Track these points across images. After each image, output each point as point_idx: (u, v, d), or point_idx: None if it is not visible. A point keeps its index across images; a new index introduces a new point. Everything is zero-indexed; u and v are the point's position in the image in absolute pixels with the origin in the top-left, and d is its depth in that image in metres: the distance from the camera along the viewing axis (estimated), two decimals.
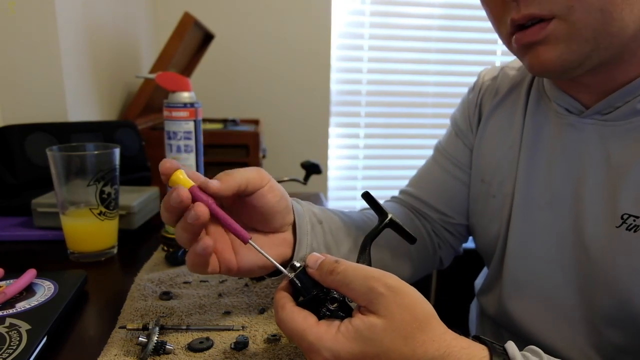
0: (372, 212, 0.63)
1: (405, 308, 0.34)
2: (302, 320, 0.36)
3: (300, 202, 0.52)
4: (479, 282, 0.75)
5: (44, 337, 0.44)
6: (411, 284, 0.37)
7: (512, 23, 0.48)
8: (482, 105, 0.67)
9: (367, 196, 0.49)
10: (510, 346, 0.36)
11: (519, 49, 0.50)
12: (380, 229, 0.46)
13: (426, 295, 0.37)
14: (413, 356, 0.34)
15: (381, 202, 0.70)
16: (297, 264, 0.39)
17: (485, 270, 0.75)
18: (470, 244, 0.76)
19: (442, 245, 0.72)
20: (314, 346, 0.35)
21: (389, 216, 0.47)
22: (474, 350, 0.35)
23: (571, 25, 0.44)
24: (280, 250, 0.47)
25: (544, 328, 0.57)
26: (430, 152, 0.76)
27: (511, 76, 0.65)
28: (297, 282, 0.38)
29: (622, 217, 0.49)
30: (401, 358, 0.34)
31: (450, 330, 0.36)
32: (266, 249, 0.42)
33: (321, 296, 0.37)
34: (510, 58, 0.69)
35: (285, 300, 0.38)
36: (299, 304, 0.38)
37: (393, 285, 0.35)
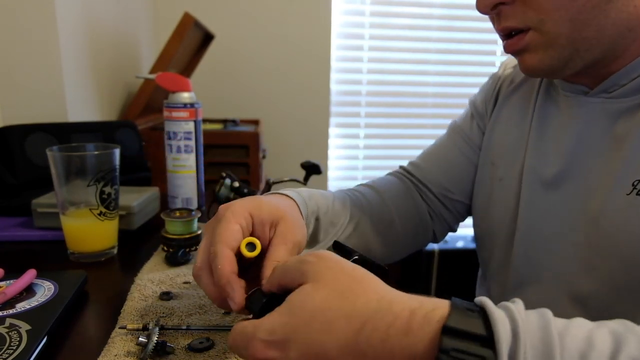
0: (365, 189, 0.71)
1: (337, 269, 0.33)
2: (243, 322, 0.35)
3: (301, 206, 0.53)
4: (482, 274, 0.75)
5: (44, 337, 0.44)
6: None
7: (498, 32, 0.54)
8: (499, 92, 0.69)
9: (335, 246, 0.50)
10: (481, 298, 0.32)
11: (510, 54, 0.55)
12: None
13: (427, 295, 0.35)
14: (354, 310, 0.31)
15: (383, 174, 0.76)
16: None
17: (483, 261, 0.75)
18: (470, 243, 0.76)
19: (436, 220, 0.73)
20: (251, 334, 0.33)
21: (354, 257, 0.46)
22: (426, 298, 0.32)
23: (545, 35, 0.49)
24: None
25: (553, 307, 0.57)
26: None
27: None
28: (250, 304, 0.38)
29: (632, 184, 0.49)
30: (340, 315, 0.31)
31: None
32: None
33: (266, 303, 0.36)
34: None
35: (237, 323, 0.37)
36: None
37: (322, 254, 0.34)
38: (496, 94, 0.70)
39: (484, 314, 0.30)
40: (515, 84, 0.67)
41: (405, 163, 0.77)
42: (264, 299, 0.37)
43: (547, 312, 0.31)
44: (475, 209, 0.70)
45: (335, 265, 0.34)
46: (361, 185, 0.73)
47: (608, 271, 0.52)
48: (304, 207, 0.54)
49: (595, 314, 0.54)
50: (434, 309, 0.30)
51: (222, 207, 0.44)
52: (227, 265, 0.39)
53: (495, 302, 0.67)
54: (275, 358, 0.32)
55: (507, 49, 0.53)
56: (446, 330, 0.28)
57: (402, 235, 0.69)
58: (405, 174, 0.75)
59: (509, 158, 0.64)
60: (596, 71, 0.52)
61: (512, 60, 0.71)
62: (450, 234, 0.78)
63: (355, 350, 0.30)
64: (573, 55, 0.49)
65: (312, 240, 0.58)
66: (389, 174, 0.77)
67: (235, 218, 0.42)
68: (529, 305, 0.59)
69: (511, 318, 0.29)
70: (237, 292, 0.39)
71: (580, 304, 0.55)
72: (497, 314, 0.29)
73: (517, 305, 0.31)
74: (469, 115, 0.73)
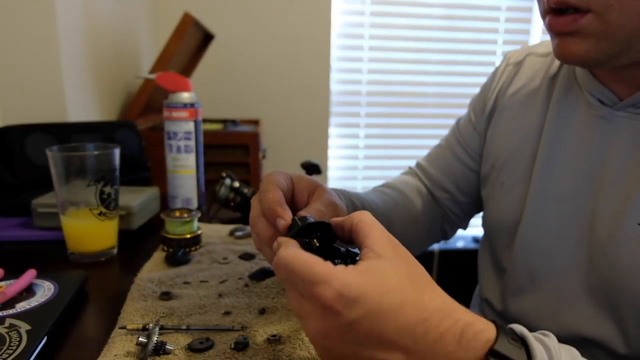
0: (388, 189, 0.72)
1: (413, 261, 0.35)
2: (309, 256, 0.33)
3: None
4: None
5: (44, 337, 0.44)
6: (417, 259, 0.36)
7: (547, 3, 0.46)
8: (499, 91, 0.66)
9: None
10: (517, 326, 0.34)
11: (550, 32, 0.49)
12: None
13: None
14: (422, 302, 0.32)
15: (383, 174, 0.77)
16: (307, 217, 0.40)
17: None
18: (470, 243, 0.77)
19: (445, 219, 0.76)
20: (322, 277, 0.31)
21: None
22: (477, 316, 0.34)
23: (606, 24, 0.43)
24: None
25: (551, 323, 0.56)
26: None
27: (536, 64, 0.63)
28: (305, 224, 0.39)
29: None
30: (410, 302, 0.31)
31: None
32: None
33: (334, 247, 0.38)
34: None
35: (290, 242, 0.37)
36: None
37: (401, 246, 0.36)
38: (497, 93, 0.67)
39: (525, 345, 0.33)
40: (520, 83, 0.63)
41: (405, 163, 0.79)
42: (304, 223, 0.39)
43: (575, 351, 0.34)
44: (484, 202, 0.69)
45: (411, 257, 0.35)
46: (382, 186, 0.74)
47: (615, 309, 0.49)
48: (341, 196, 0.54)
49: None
50: (483, 329, 0.32)
51: (266, 175, 0.48)
52: (277, 193, 0.43)
53: (494, 306, 0.66)
54: (336, 311, 0.31)
55: (552, 27, 0.47)
56: (493, 353, 0.31)
57: (418, 234, 0.72)
58: (417, 174, 0.77)
59: (511, 164, 0.61)
60: (634, 77, 0.49)
61: (515, 53, 0.67)
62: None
63: (410, 338, 0.31)
64: (622, 52, 0.45)
65: None
66: (404, 173, 0.79)
67: (281, 176, 0.46)
68: (524, 316, 0.59)
69: (549, 356, 0.32)
70: (287, 212, 0.42)
71: (581, 322, 0.53)
72: (538, 350, 0.32)
73: (551, 341, 0.34)
74: (468, 119, 0.72)
